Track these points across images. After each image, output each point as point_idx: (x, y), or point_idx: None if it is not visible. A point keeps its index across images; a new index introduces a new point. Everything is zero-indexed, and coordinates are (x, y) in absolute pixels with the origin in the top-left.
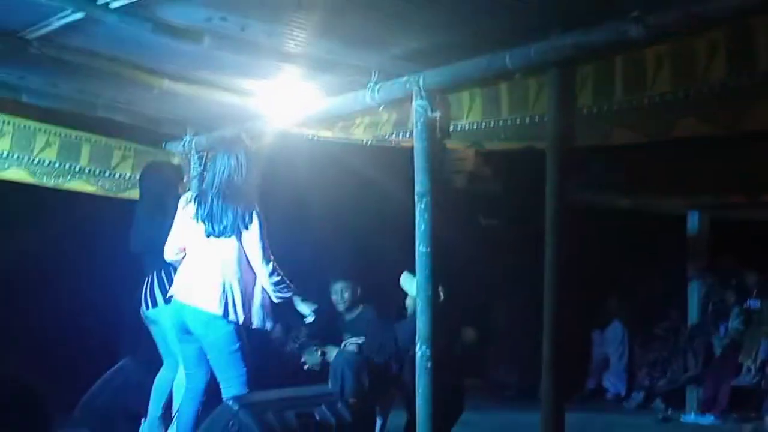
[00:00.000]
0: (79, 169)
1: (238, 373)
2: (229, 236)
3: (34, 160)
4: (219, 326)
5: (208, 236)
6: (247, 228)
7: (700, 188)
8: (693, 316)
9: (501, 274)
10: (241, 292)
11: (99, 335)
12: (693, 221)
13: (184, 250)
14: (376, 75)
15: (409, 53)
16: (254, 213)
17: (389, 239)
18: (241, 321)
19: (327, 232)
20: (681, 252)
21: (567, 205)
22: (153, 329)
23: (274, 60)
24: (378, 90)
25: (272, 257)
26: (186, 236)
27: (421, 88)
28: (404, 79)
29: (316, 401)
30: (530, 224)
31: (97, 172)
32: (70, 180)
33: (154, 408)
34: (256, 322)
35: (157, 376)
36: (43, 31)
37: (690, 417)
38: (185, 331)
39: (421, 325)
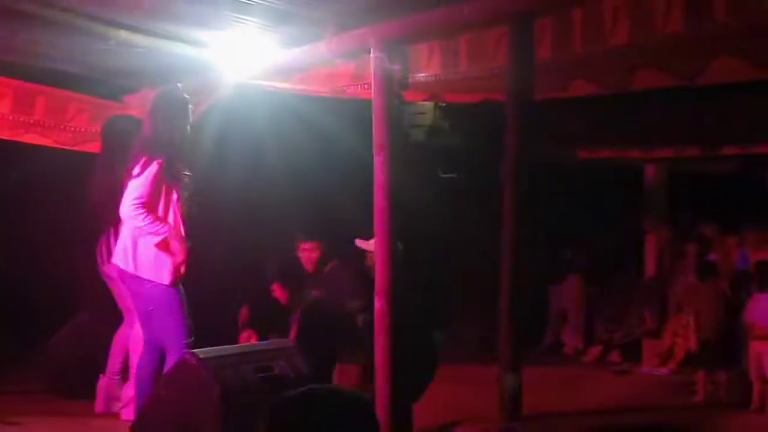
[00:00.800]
0: (34, 122)
1: (173, 325)
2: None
3: None
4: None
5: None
6: (138, 176)
7: (658, 141)
8: (650, 269)
9: (461, 227)
10: (133, 244)
11: (57, 288)
12: (650, 174)
13: None
14: (334, 27)
15: (367, 4)
16: (152, 164)
17: (349, 193)
18: (138, 273)
19: (287, 188)
20: (639, 205)
21: (525, 157)
22: (110, 284)
23: (232, 11)
24: (335, 41)
25: (144, 204)
26: None
27: (379, 39)
28: (362, 30)
29: (275, 355)
30: (489, 177)
31: (52, 124)
32: (24, 132)
33: (114, 363)
34: (147, 275)
35: (117, 332)
36: None
37: (646, 369)
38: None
39: (379, 278)
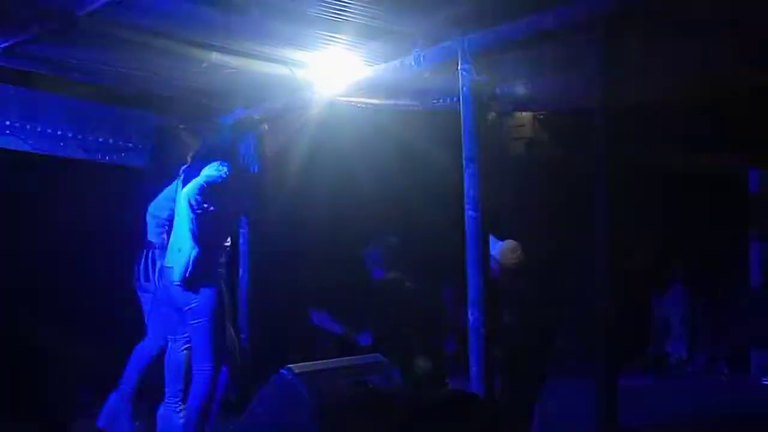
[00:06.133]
0: (132, 146)
1: (205, 343)
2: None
3: (88, 137)
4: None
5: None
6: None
7: (762, 146)
8: (755, 276)
9: (562, 241)
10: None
11: None
12: (754, 180)
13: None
14: (421, 41)
15: (453, 17)
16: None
17: (441, 207)
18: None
19: (378, 204)
20: (742, 212)
21: (616, 164)
22: (145, 298)
23: (321, 29)
24: (423, 56)
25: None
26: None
27: (466, 52)
28: (449, 43)
29: (370, 369)
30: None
31: (150, 148)
32: (123, 155)
33: (129, 379)
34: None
35: (139, 346)
36: (90, 8)
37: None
38: (173, 306)
39: (472, 290)
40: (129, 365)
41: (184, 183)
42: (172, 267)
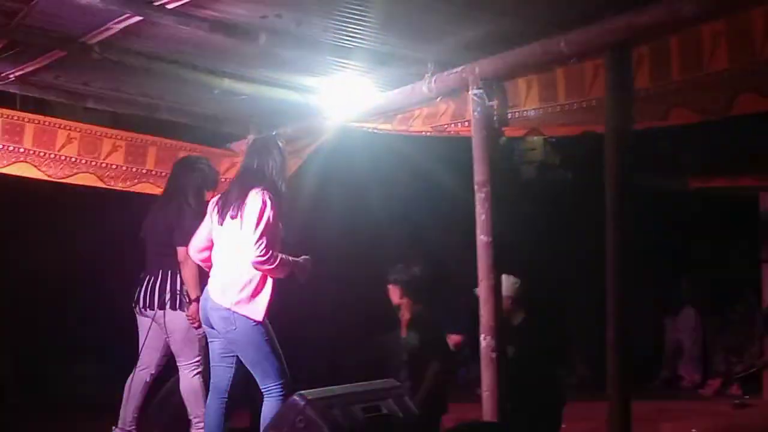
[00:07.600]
0: (146, 172)
1: (269, 368)
2: (231, 221)
3: (102, 164)
4: (237, 322)
5: (220, 225)
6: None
7: None
8: None
9: (574, 263)
10: (235, 278)
11: None
12: (766, 202)
13: (208, 249)
14: (433, 66)
15: (464, 42)
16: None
17: (454, 231)
18: (234, 309)
19: (390, 227)
20: (754, 234)
21: (628, 188)
22: (144, 322)
23: (331, 55)
24: (435, 81)
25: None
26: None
27: (477, 76)
28: (460, 68)
29: (383, 395)
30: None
31: (164, 174)
32: (137, 183)
33: (127, 412)
34: (246, 312)
35: (132, 377)
36: (103, 36)
37: None
38: (209, 326)
39: (485, 315)
40: (125, 398)
41: (222, 209)
42: (218, 293)
